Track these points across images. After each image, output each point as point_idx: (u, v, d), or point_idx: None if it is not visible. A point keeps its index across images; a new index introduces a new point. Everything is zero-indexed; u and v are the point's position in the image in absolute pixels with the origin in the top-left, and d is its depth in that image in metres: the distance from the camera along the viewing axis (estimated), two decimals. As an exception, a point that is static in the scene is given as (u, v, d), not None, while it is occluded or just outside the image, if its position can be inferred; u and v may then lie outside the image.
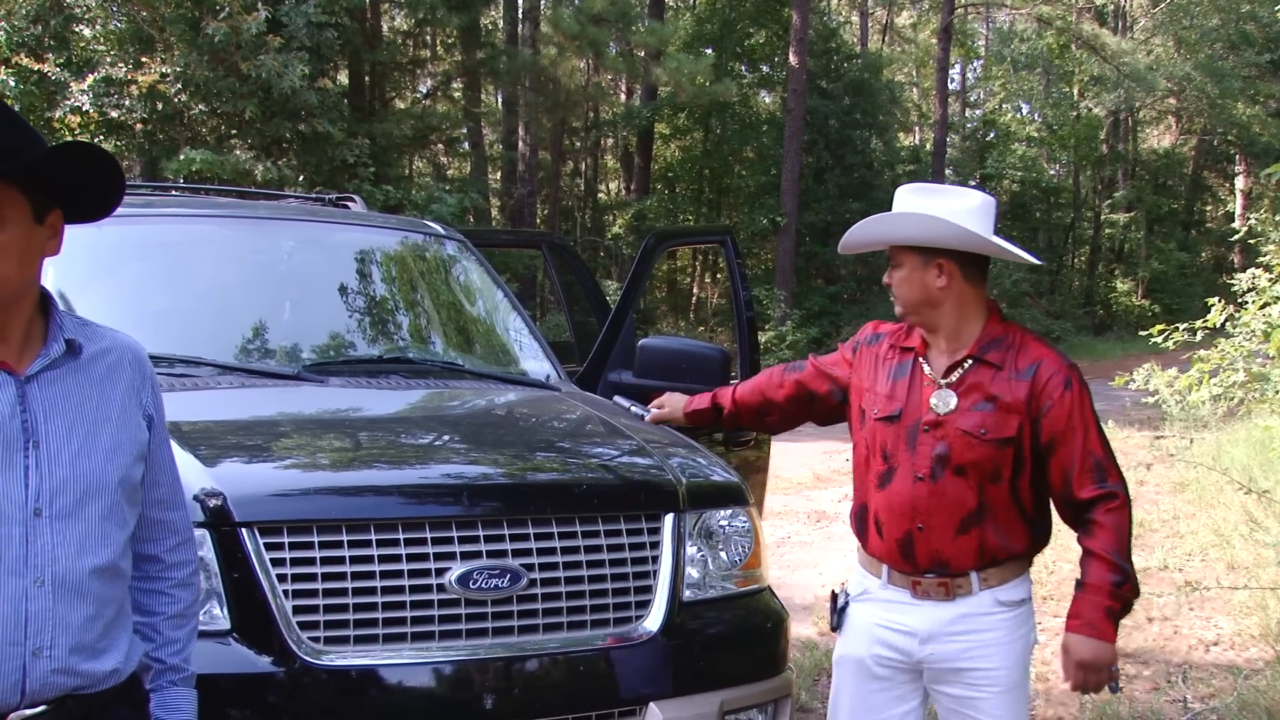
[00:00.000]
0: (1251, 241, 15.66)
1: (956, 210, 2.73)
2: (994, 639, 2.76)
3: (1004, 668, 2.77)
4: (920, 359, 2.80)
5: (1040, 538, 2.84)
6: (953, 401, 2.72)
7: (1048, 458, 2.70)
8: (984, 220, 2.74)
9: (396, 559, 2.68)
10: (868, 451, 2.86)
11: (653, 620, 2.95)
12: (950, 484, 2.70)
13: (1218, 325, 9.13)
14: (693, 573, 3.09)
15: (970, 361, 2.73)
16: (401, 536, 2.71)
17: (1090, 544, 2.67)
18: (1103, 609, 2.64)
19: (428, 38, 23.10)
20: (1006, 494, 2.71)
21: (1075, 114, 34.74)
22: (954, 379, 2.74)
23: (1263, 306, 9.06)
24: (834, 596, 3.01)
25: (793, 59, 23.17)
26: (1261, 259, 10.32)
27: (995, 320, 2.78)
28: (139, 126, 14.11)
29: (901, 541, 2.77)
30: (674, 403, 3.41)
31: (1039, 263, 3.10)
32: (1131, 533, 2.72)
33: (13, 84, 12.90)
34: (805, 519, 9.34)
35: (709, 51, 25.41)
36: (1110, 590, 2.64)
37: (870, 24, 36.49)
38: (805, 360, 3.17)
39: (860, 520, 2.90)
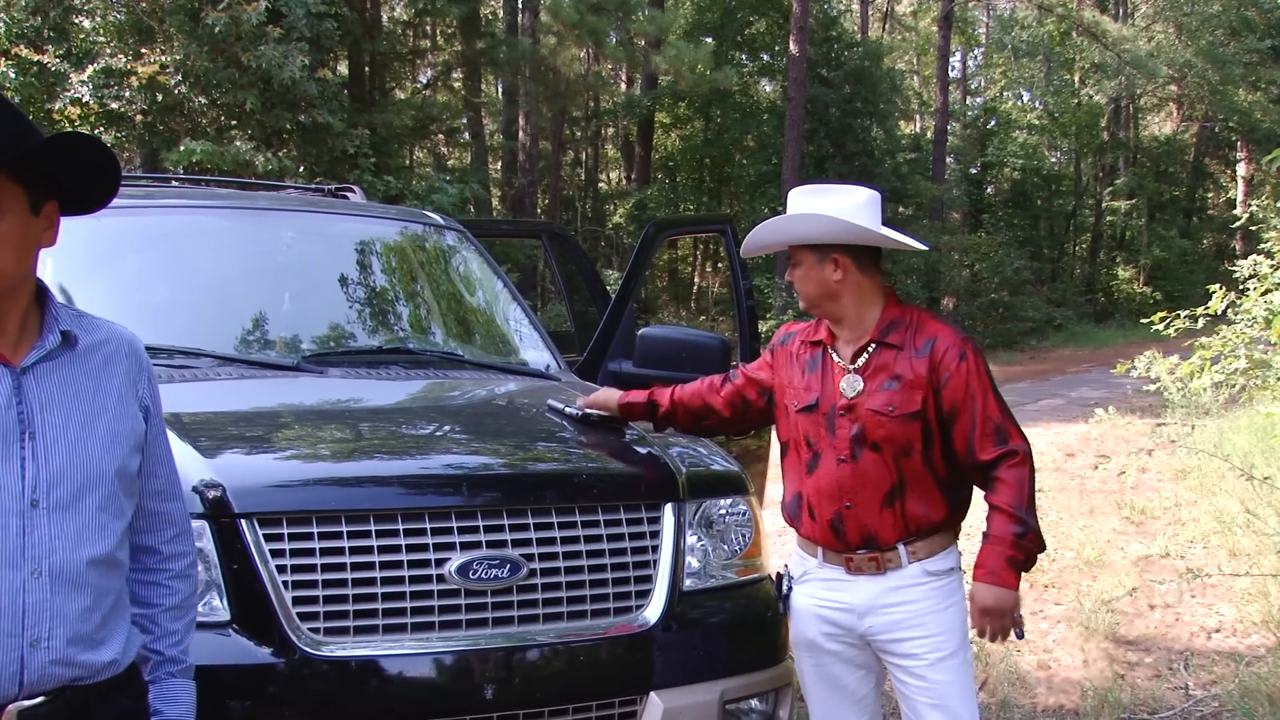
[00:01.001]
0: (1253, 228, 15.63)
1: (846, 207, 2.89)
2: (926, 608, 2.89)
3: (939, 634, 2.90)
4: (829, 349, 2.96)
5: (959, 505, 2.96)
6: (860, 385, 2.88)
7: (951, 426, 2.85)
8: (872, 214, 2.92)
9: (396, 549, 2.69)
10: (793, 443, 3.00)
11: (653, 610, 2.96)
12: (869, 461, 2.86)
13: (1219, 312, 9.12)
14: (693, 562, 3.10)
15: (873, 346, 2.89)
16: (401, 527, 2.71)
17: (994, 499, 2.84)
18: (1004, 558, 2.81)
19: (427, 28, 23.07)
20: (920, 466, 2.86)
21: (1076, 101, 34.64)
22: (860, 364, 2.90)
23: (1264, 293, 9.05)
24: (778, 581, 3.12)
25: (793, 47, 23.10)
26: (1263, 246, 10.30)
27: (892, 304, 2.94)
28: (139, 118, 14.08)
29: (832, 521, 2.91)
30: (608, 394, 3.37)
31: (924, 248, 3.32)
32: (1034, 487, 2.89)
33: (13, 75, 12.88)
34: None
35: (709, 40, 25.35)
36: (1012, 541, 2.80)
37: (870, 12, 36.38)
38: (736, 370, 3.26)
39: (794, 508, 3.03)
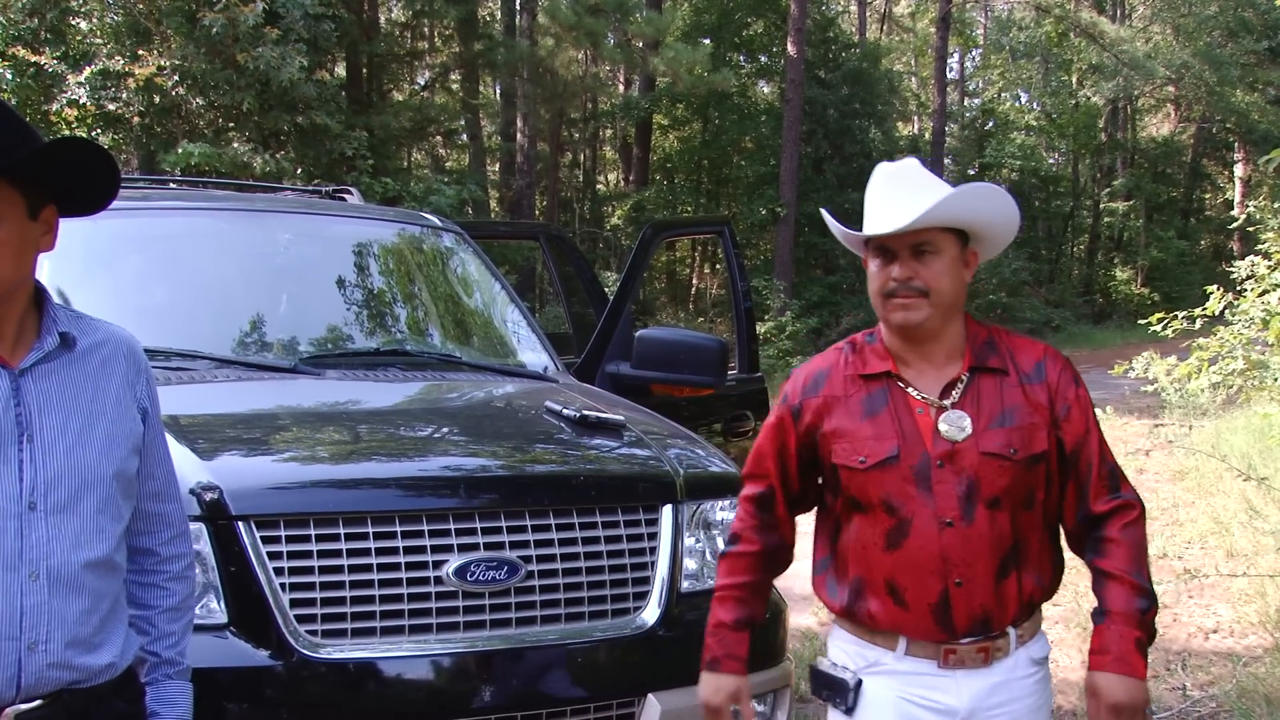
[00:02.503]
0: (1250, 229, 15.64)
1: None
2: (1031, 706, 2.36)
3: None
4: (898, 382, 2.32)
5: (1061, 569, 2.43)
6: (967, 424, 2.26)
7: (1068, 469, 2.32)
8: None
9: (394, 551, 2.68)
10: (856, 511, 2.33)
11: (650, 611, 2.96)
12: (985, 522, 2.25)
13: (1217, 313, 9.12)
14: (690, 564, 3.09)
15: (969, 372, 2.30)
16: (398, 529, 2.71)
17: (1106, 564, 2.29)
18: (1132, 640, 2.25)
19: (425, 29, 23.06)
20: (1040, 521, 2.33)
21: (1074, 102, 34.67)
22: (956, 396, 2.29)
23: (1262, 294, 9.04)
24: (826, 677, 2.44)
25: (791, 49, 23.11)
26: (1260, 246, 10.30)
27: (971, 321, 2.39)
28: (136, 119, 14.07)
29: (936, 605, 2.27)
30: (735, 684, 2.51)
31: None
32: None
33: (9, 77, 12.87)
34: (805, 509, 9.32)
35: (707, 42, 25.35)
36: (1138, 618, 2.26)
37: (868, 13, 36.41)
38: (758, 489, 2.50)
39: (856, 594, 2.36)
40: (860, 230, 2.32)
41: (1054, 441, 2.31)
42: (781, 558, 2.54)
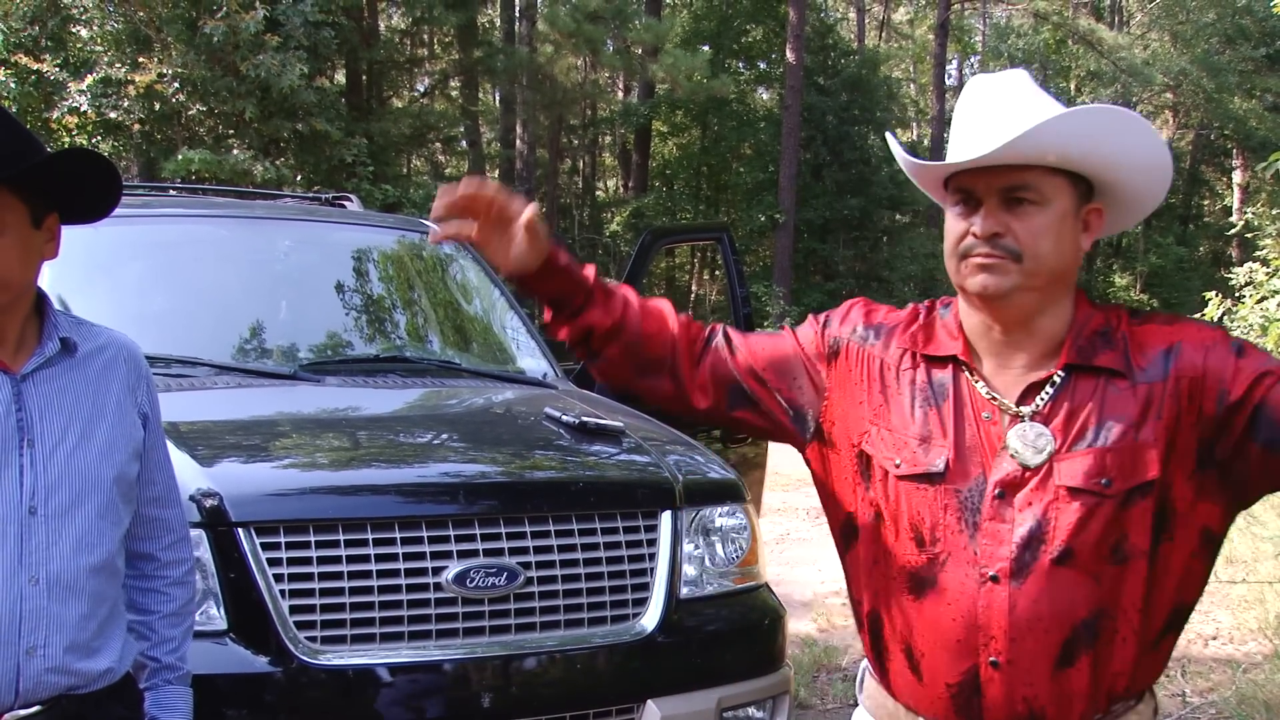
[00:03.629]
0: (1249, 236, 15.68)
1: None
2: None
3: None
4: (967, 373, 1.71)
5: (1169, 648, 1.74)
6: (1049, 440, 1.63)
7: (1264, 416, 1.56)
8: None
9: (393, 558, 2.69)
10: (882, 532, 1.74)
11: (650, 618, 2.96)
12: (1046, 583, 1.61)
13: (1216, 319, 9.14)
14: (690, 570, 3.10)
15: (1063, 372, 1.66)
16: (398, 535, 2.71)
17: None
18: None
19: (425, 36, 23.09)
20: (1140, 578, 1.62)
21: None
22: (1040, 404, 1.65)
23: (1260, 300, 9.06)
24: None
25: (790, 55, 23.15)
26: (1259, 253, 10.33)
27: (1085, 302, 1.71)
28: (136, 127, 14.09)
29: (959, 689, 1.67)
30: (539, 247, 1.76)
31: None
32: None
33: (13, 85, 12.89)
34: (804, 515, 9.34)
35: (706, 48, 25.37)
36: None
37: (867, 20, 36.46)
38: (734, 335, 1.88)
39: (876, 637, 1.79)
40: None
41: (1194, 454, 1.61)
42: (632, 360, 1.82)
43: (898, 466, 1.71)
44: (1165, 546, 1.62)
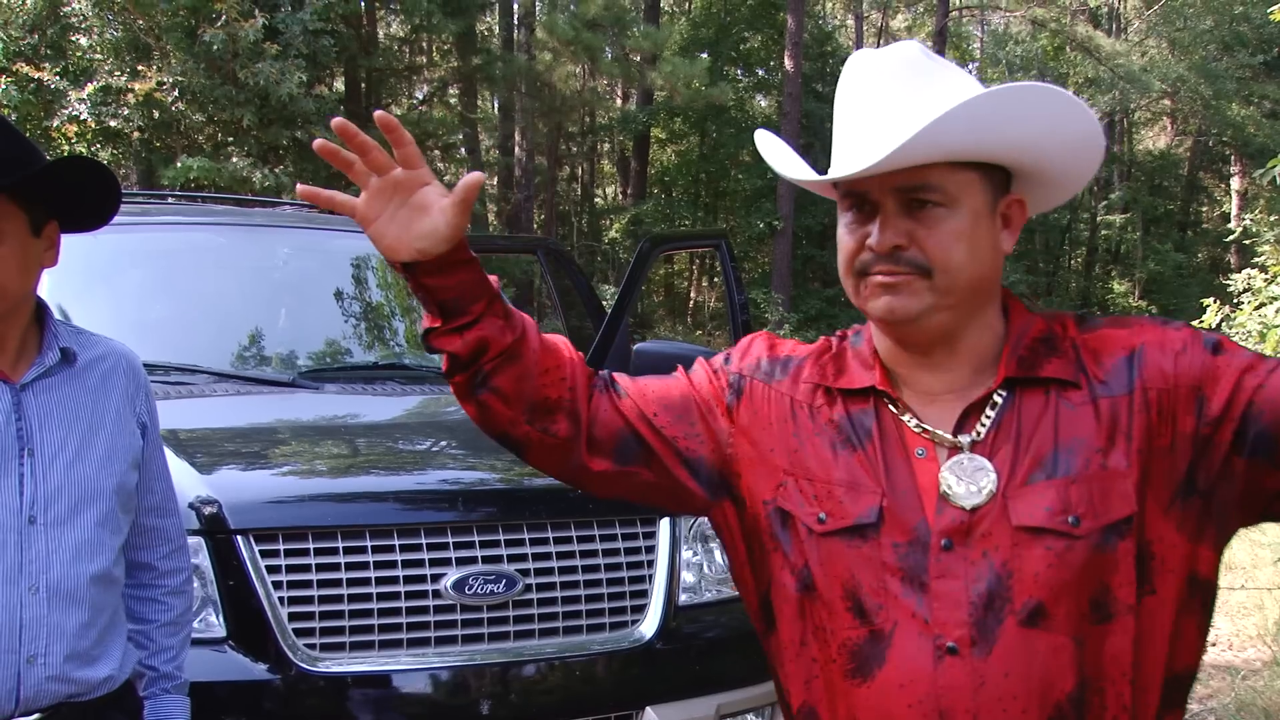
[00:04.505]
0: (1247, 242, 15.70)
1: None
2: None
3: None
4: (891, 405, 1.43)
5: (1188, 684, 1.42)
6: (990, 475, 1.35)
7: (1254, 420, 1.30)
8: None
9: (392, 565, 2.69)
10: (808, 598, 1.43)
11: (648, 625, 2.96)
12: (1021, 651, 1.31)
13: (1214, 326, 9.15)
14: (688, 577, 3.10)
15: (1004, 390, 1.39)
16: (397, 543, 2.71)
17: None
18: None
19: (423, 44, 23.15)
20: (1129, 638, 1.32)
21: (1071, 115, 34.73)
22: (980, 431, 1.38)
23: (1258, 307, 9.07)
24: None
25: (788, 63, 23.19)
26: (1257, 260, 10.35)
27: (1020, 309, 1.47)
28: (136, 135, 14.11)
29: None
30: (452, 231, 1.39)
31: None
32: None
33: (14, 93, 12.90)
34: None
35: (704, 56, 25.44)
36: None
37: (865, 27, 36.52)
38: (612, 379, 1.56)
39: None
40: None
41: (1179, 477, 1.33)
42: (522, 397, 1.48)
43: (821, 521, 1.40)
44: (1149, 600, 1.32)
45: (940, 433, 1.38)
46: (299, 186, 1.43)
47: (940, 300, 1.35)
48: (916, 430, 1.40)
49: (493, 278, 1.45)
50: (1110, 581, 1.31)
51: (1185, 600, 1.35)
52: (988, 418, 1.38)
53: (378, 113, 1.37)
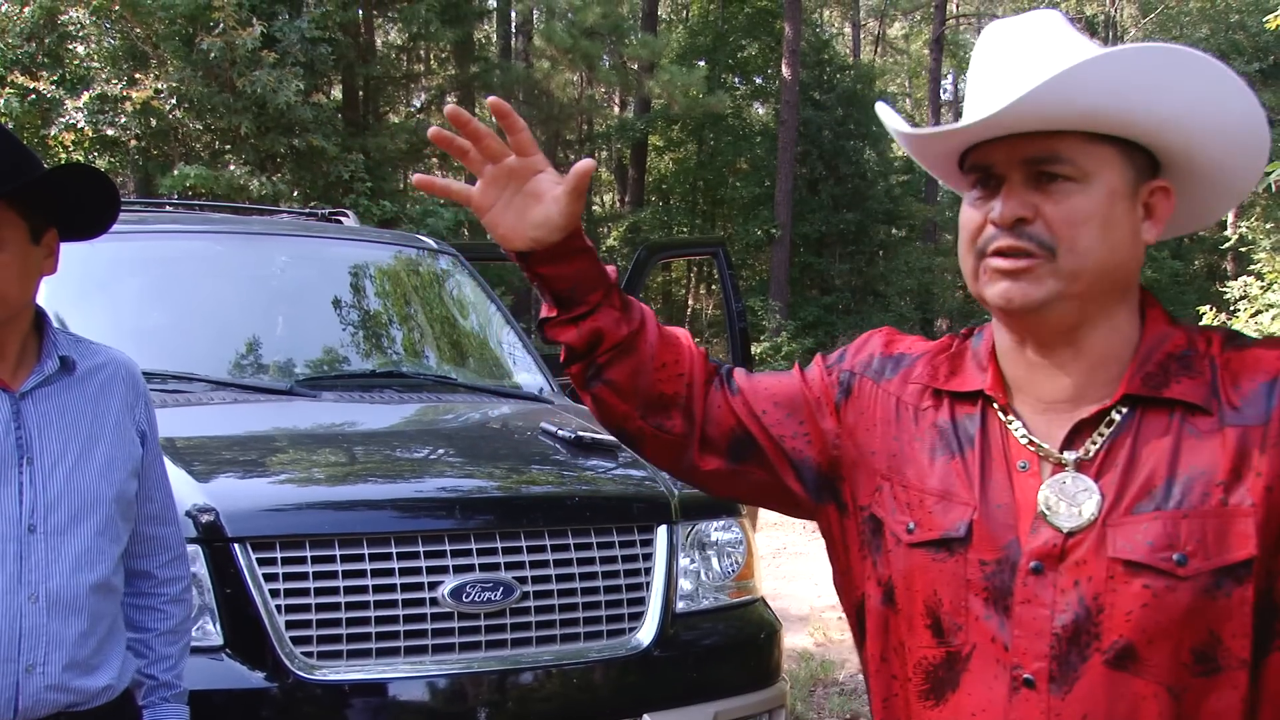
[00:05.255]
0: (1243, 250, 15.74)
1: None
2: None
3: None
4: (1001, 411, 1.32)
5: None
6: (1089, 498, 1.24)
7: None
8: None
9: (389, 573, 2.69)
10: (891, 616, 1.36)
11: (646, 632, 2.96)
12: (1104, 694, 1.20)
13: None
14: (685, 584, 3.10)
15: (1124, 408, 1.26)
16: (394, 550, 2.72)
17: None
18: None
19: (421, 52, 23.16)
20: (1239, 698, 1.19)
21: (1068, 123, 34.82)
22: (1090, 449, 1.26)
23: (1254, 314, 9.09)
24: None
25: (785, 71, 23.24)
26: (1253, 267, 10.38)
27: (1160, 317, 1.31)
28: (133, 143, 14.12)
29: None
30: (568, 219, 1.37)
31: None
32: None
33: (14, 104, 12.90)
34: (801, 529, 9.33)
35: (702, 64, 25.47)
36: None
37: (862, 35, 36.61)
38: (734, 375, 1.49)
39: None
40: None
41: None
42: (639, 394, 1.42)
43: (910, 531, 1.32)
44: (1273, 658, 1.18)
45: (1047, 446, 1.27)
46: (415, 176, 1.44)
47: (1065, 286, 1.22)
48: (1022, 441, 1.29)
49: (610, 268, 1.42)
50: (1221, 631, 1.18)
51: None
52: (1100, 435, 1.25)
53: (491, 99, 1.36)
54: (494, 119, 1.36)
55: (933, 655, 1.30)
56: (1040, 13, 1.30)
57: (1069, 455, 1.25)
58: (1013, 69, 1.24)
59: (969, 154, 1.29)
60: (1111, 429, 1.25)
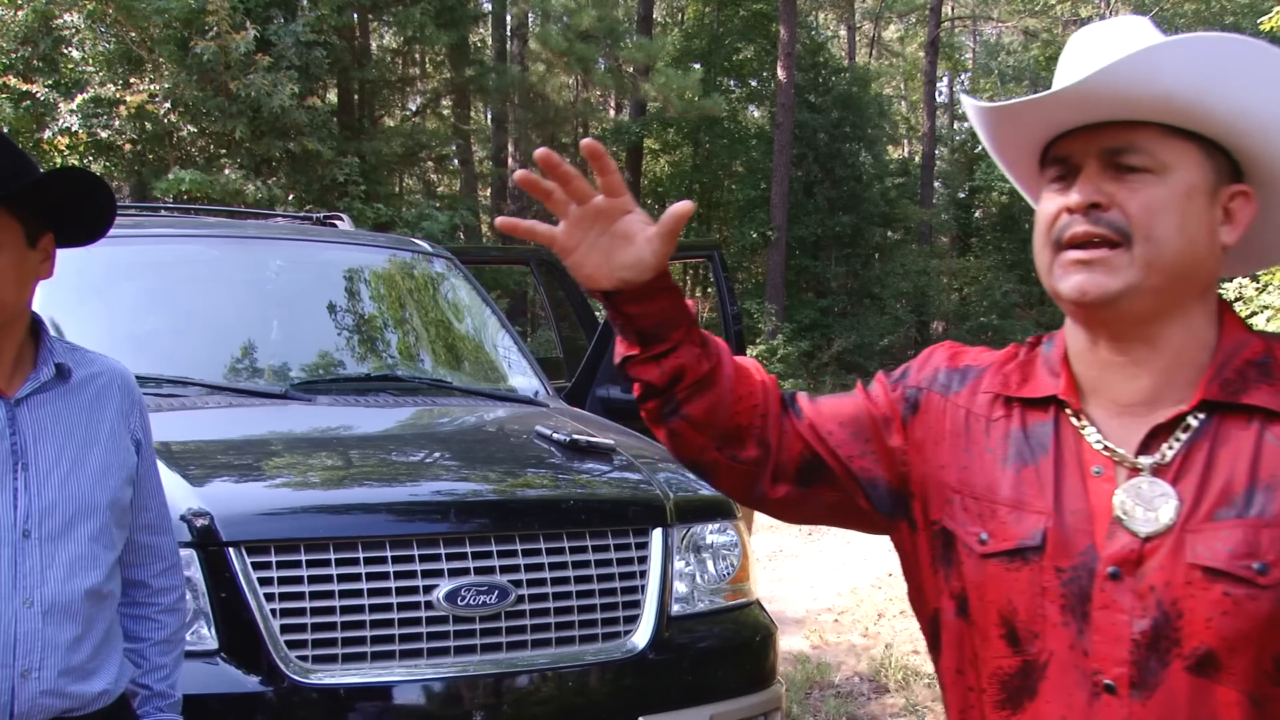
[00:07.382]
0: (1238, 251, 15.74)
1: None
2: None
3: None
4: (1074, 417, 1.31)
5: None
6: (1167, 505, 1.23)
7: None
8: None
9: (384, 576, 2.69)
10: (965, 628, 1.36)
11: (641, 635, 2.97)
12: (1187, 701, 1.21)
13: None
14: (681, 587, 3.11)
15: (1199, 416, 1.26)
16: (389, 554, 2.72)
17: None
18: None
19: (416, 55, 23.17)
20: None
21: (1062, 125, 34.87)
22: (1167, 454, 1.25)
23: (1249, 316, 9.11)
24: None
25: (781, 73, 23.26)
26: (1248, 268, 10.37)
27: (1236, 324, 1.31)
28: (128, 147, 14.10)
29: None
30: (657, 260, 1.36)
31: None
32: None
33: (8, 109, 12.89)
34: (797, 532, 9.34)
35: (697, 66, 25.49)
36: None
37: (858, 38, 36.66)
38: (798, 402, 1.47)
39: None
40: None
41: None
42: (715, 426, 1.42)
43: (983, 542, 1.31)
44: None
45: (1122, 451, 1.26)
46: (498, 219, 1.41)
47: (1142, 278, 1.21)
48: (1097, 446, 1.28)
49: (689, 302, 1.41)
50: None
51: None
52: (1177, 440, 1.24)
53: (585, 141, 1.32)
54: (583, 159, 1.34)
55: (1008, 665, 1.29)
56: (1128, 17, 1.32)
57: (1145, 460, 1.25)
58: (1096, 59, 1.24)
59: (1050, 150, 1.30)
60: (1189, 434, 1.24)
